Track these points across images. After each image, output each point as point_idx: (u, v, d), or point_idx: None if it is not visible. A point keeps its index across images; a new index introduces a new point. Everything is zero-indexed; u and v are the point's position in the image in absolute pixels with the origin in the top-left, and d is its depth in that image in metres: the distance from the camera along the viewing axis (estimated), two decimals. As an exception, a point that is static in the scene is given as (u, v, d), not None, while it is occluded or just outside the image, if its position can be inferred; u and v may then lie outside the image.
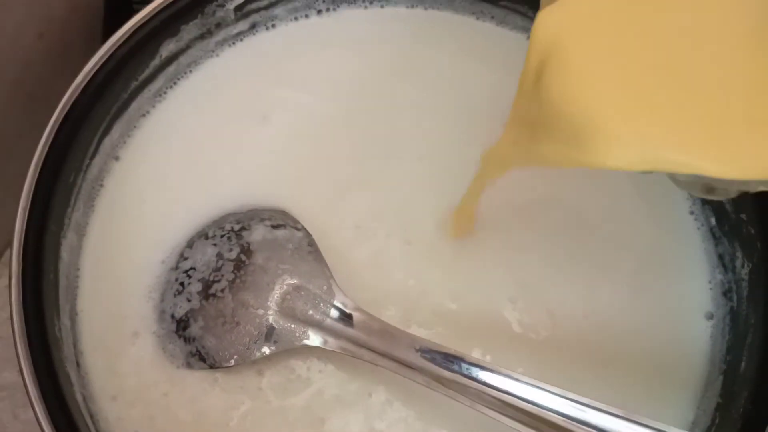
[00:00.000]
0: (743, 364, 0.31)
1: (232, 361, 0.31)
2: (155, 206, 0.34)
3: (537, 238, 0.35)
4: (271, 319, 0.31)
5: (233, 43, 0.38)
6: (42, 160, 0.31)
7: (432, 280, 0.34)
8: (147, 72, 0.36)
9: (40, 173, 0.31)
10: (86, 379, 0.31)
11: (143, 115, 0.36)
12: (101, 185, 0.35)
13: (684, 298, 0.34)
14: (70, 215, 0.33)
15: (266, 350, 0.31)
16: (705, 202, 0.36)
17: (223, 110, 0.37)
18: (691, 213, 0.36)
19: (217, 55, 0.38)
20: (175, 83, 0.37)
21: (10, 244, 0.49)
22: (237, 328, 0.32)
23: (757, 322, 0.32)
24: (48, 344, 0.29)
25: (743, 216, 0.33)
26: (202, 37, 0.37)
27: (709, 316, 0.34)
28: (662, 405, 0.32)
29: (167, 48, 0.36)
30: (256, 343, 0.31)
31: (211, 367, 0.31)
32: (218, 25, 0.37)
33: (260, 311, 0.32)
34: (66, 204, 0.33)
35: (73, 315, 0.32)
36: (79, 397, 0.30)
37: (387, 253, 0.34)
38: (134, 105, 0.36)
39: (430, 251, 0.34)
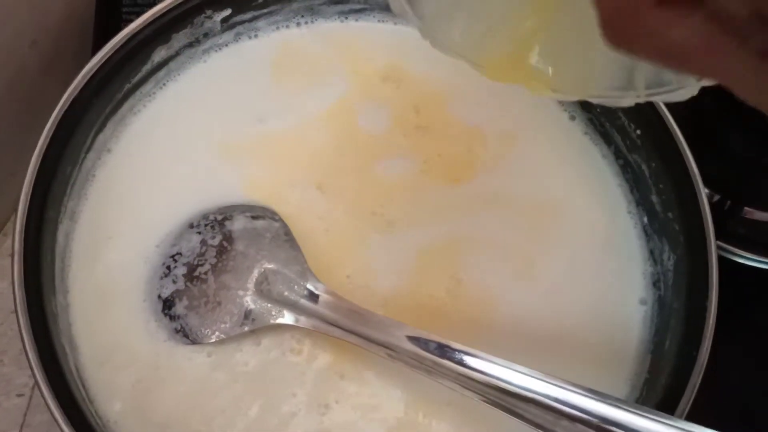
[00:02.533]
0: (667, 343, 0.36)
1: (214, 338, 0.35)
2: (143, 195, 0.38)
3: (486, 233, 0.39)
4: (249, 300, 0.35)
5: (219, 49, 0.42)
6: (42, 154, 0.34)
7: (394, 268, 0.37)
8: (139, 75, 0.39)
9: (41, 165, 0.34)
10: (77, 350, 0.34)
11: (135, 113, 0.39)
12: (93, 176, 0.38)
13: (622, 287, 0.39)
14: (66, 204, 0.36)
15: (245, 327, 0.34)
16: (639, 204, 0.40)
17: (208, 110, 0.40)
18: (629, 212, 0.41)
19: (204, 61, 0.41)
20: (164, 84, 0.40)
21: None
22: (218, 307, 0.35)
23: (679, 307, 0.36)
24: (46, 317, 0.32)
25: (670, 214, 0.38)
26: (191, 45, 0.40)
27: (643, 302, 0.38)
28: (601, 381, 0.36)
29: (159, 54, 0.39)
30: (235, 320, 0.35)
31: (194, 342, 0.35)
32: (206, 35, 0.41)
33: (240, 292, 0.35)
34: (63, 193, 0.36)
35: (65, 293, 0.35)
36: (72, 366, 0.33)
37: (360, 245, 0.38)
38: (126, 105, 0.39)
39: (396, 247, 0.38)
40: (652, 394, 0.35)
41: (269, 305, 0.35)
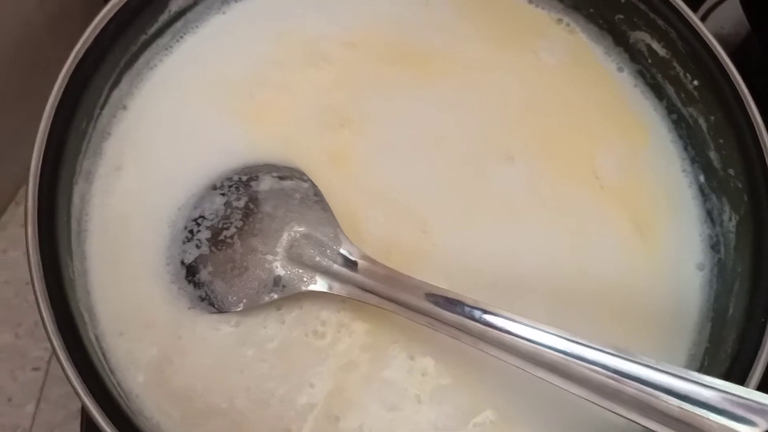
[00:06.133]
0: (731, 309, 0.33)
1: (241, 306, 0.32)
2: (162, 156, 0.35)
3: (528, 193, 0.36)
4: (279, 265, 0.32)
5: (241, -1, 0.39)
6: (56, 106, 0.31)
7: (439, 239, 0.35)
8: (156, 26, 0.36)
9: (54, 119, 0.31)
10: (96, 318, 0.31)
11: (151, 68, 0.37)
12: (109, 134, 0.35)
13: (677, 252, 0.36)
14: (82, 162, 0.33)
15: (274, 295, 0.32)
16: (694, 161, 0.37)
17: (230, 66, 0.37)
18: (683, 171, 0.38)
19: (224, 13, 0.38)
20: (182, 37, 0.37)
21: (12, 197, 0.50)
22: (245, 273, 0.32)
23: (744, 271, 0.33)
24: (63, 284, 0.29)
25: (731, 171, 0.35)
26: (210, -7, 0.38)
27: (701, 267, 0.36)
28: (656, 351, 0.34)
29: (176, 3, 0.36)
30: (264, 287, 0.32)
31: (220, 311, 0.32)
32: (226, -18, 0.38)
33: (269, 257, 0.32)
34: (77, 151, 0.33)
35: (82, 258, 0.33)
36: (91, 336, 0.30)
37: (394, 213, 0.35)
38: (143, 58, 0.36)
39: (438, 213, 0.35)
40: (715, 364, 0.32)
41: (300, 271, 0.32)
